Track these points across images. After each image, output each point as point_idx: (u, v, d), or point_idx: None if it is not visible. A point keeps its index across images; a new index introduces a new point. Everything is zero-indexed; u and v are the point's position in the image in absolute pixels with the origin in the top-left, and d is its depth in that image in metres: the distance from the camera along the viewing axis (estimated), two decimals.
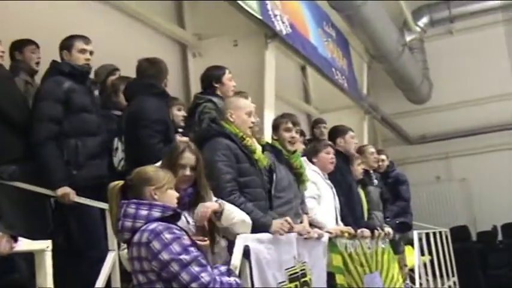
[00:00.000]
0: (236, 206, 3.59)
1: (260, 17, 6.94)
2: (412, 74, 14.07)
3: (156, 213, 2.80)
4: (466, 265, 12.37)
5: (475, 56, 15.22)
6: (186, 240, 2.71)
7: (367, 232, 5.75)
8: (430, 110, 15.77)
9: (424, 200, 15.26)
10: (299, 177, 4.87)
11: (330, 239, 4.90)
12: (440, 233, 10.46)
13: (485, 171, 14.91)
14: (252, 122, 4.30)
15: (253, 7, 6.88)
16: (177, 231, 2.71)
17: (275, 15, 7.35)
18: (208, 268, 2.67)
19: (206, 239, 3.13)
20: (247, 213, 3.65)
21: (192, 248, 2.68)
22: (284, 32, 7.58)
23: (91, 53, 4.55)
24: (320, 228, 4.96)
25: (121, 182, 2.98)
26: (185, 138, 4.35)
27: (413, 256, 8.11)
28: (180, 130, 5.20)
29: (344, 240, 5.14)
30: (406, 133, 15.61)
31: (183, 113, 5.34)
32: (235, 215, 3.41)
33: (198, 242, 2.89)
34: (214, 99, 5.19)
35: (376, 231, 6.04)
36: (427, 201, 15.39)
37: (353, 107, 12.22)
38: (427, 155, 15.65)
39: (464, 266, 11.91)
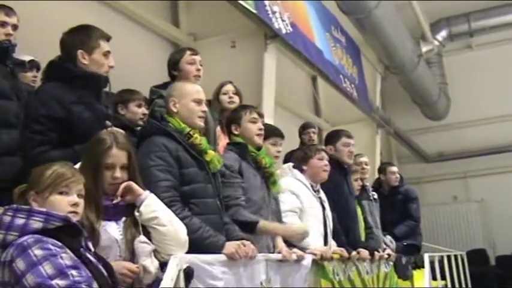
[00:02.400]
0: None
1: (255, 11, 6.31)
2: (429, 88, 13.64)
3: (36, 223, 2.11)
4: None
5: (495, 71, 14.86)
6: (66, 260, 2.02)
7: (364, 253, 4.96)
8: (448, 127, 15.43)
9: (440, 221, 15.11)
10: (269, 178, 4.11)
11: (317, 262, 4.12)
12: (456, 256, 10.05)
13: (505, 192, 14.47)
14: (203, 111, 3.51)
15: (249, 3, 6.31)
16: (52, 247, 2.03)
17: (273, 12, 6.77)
18: None
19: (137, 267, 2.46)
20: (194, 231, 2.96)
21: (72, 271, 1.99)
22: (284, 31, 6.99)
23: (15, 27, 3.76)
24: (302, 249, 4.14)
25: (24, 186, 2.35)
26: (115, 129, 3.19)
27: (423, 281, 7.40)
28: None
29: (333, 264, 4.34)
30: (423, 150, 15.24)
31: (143, 110, 4.55)
32: (157, 208, 2.70)
33: (125, 269, 2.22)
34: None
35: (376, 252, 5.26)
36: (443, 222, 15.16)
37: (365, 120, 11.82)
38: (444, 173, 15.26)
39: None
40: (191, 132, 3.35)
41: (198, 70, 4.34)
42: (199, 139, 3.37)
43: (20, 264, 1.97)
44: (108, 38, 3.59)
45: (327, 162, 4.87)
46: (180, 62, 4.38)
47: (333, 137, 5.50)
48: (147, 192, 2.70)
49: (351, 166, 5.64)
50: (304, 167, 4.80)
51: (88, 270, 2.11)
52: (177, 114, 3.41)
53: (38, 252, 1.99)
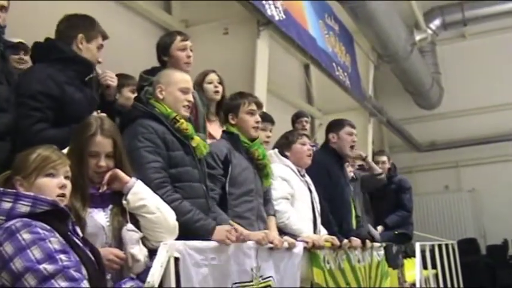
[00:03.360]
0: (168, 203, 2.82)
1: None
2: (422, 76, 13.57)
3: (24, 207, 2.07)
4: (474, 281, 12.08)
5: (489, 61, 14.83)
6: (55, 244, 1.98)
7: (356, 242, 4.90)
8: (440, 116, 15.40)
9: (432, 211, 15.14)
10: (262, 170, 4.06)
11: (309, 250, 4.07)
12: (446, 245, 10.11)
13: (496, 181, 14.49)
14: (188, 101, 3.45)
15: None
16: (41, 231, 1.99)
17: None
18: (83, 284, 1.94)
19: (123, 254, 2.42)
20: (184, 214, 2.92)
21: (61, 256, 1.96)
22: (277, 18, 6.90)
23: (4, 8, 3.57)
24: (294, 236, 4.11)
25: (8, 173, 2.30)
26: (102, 114, 3.21)
27: (414, 270, 7.39)
28: None
29: (324, 252, 4.28)
30: (415, 140, 15.21)
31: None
32: (144, 196, 2.65)
33: (112, 255, 2.18)
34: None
35: (367, 241, 5.21)
36: (435, 211, 15.17)
37: (358, 109, 11.74)
38: (435, 163, 15.25)
39: (471, 281, 11.61)
40: (177, 117, 3.30)
41: (189, 57, 4.22)
42: (185, 124, 3.33)
43: (7, 248, 1.94)
44: (105, 37, 3.69)
45: (310, 147, 4.83)
46: (170, 48, 4.25)
47: (336, 125, 5.42)
48: (134, 179, 2.66)
49: (347, 155, 5.56)
50: (287, 153, 4.73)
51: (76, 254, 2.08)
52: (163, 101, 3.36)
53: (26, 236, 1.96)
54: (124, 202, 2.58)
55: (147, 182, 2.84)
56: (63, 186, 2.27)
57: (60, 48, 3.47)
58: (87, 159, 2.58)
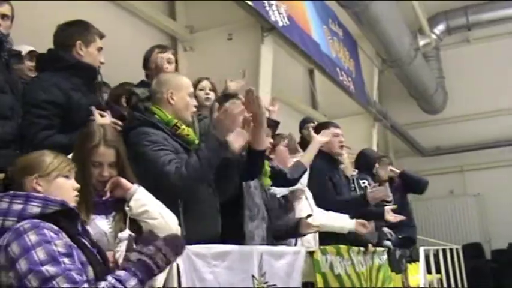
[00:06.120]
0: (193, 170, 2.95)
1: (251, 4, 6.29)
2: (426, 81, 13.61)
3: (34, 208, 2.09)
4: (479, 285, 12.04)
5: (493, 65, 14.81)
6: (59, 247, 2.00)
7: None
8: (445, 121, 15.41)
9: (437, 215, 15.09)
10: None
11: (311, 255, 4.04)
12: (451, 250, 10.12)
13: (501, 186, 14.44)
14: (195, 106, 3.50)
15: None
16: (47, 233, 2.01)
17: (270, 5, 6.73)
18: (83, 286, 1.97)
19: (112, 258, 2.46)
20: (198, 167, 3.01)
21: (65, 259, 1.98)
22: (280, 24, 6.95)
23: (6, 17, 3.68)
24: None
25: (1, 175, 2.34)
26: (104, 120, 3.29)
27: (419, 275, 7.39)
28: None
29: (330, 258, 4.28)
30: (419, 144, 15.21)
31: None
32: (146, 202, 2.65)
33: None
34: (138, 90, 4.16)
35: (370, 245, 5.24)
36: (439, 216, 15.13)
37: (362, 114, 11.76)
38: (440, 168, 15.13)
39: (476, 286, 11.61)
40: (178, 124, 3.30)
41: (165, 68, 4.29)
42: (186, 130, 3.33)
43: (14, 248, 1.97)
44: (102, 36, 3.69)
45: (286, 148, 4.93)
46: (149, 61, 4.39)
47: (321, 129, 5.42)
48: (136, 185, 2.67)
49: (341, 157, 5.65)
50: (272, 156, 4.77)
51: (84, 255, 2.11)
52: (172, 106, 3.35)
53: (32, 237, 1.98)
54: (127, 208, 2.60)
55: (164, 175, 2.95)
56: (76, 189, 2.32)
57: (62, 57, 3.53)
58: (90, 169, 2.59)
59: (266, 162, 4.13)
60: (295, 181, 4.61)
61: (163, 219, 2.64)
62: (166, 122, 3.28)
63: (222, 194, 3.48)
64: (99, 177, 2.60)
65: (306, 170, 4.76)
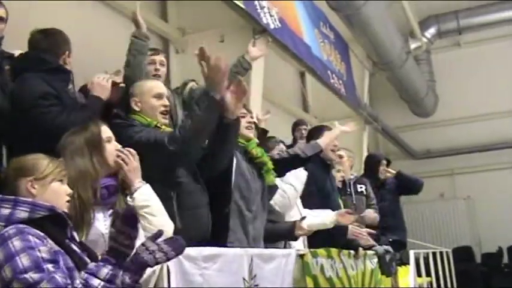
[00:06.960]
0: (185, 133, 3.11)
1: (243, 6, 6.28)
2: (417, 84, 13.64)
3: (22, 213, 2.08)
4: None
5: (483, 69, 14.86)
6: (44, 253, 1.99)
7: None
8: (435, 124, 15.43)
9: (427, 218, 15.11)
10: (261, 168, 4.08)
11: (302, 257, 4.03)
12: (441, 253, 10.09)
13: (491, 189, 14.48)
14: (164, 106, 3.53)
15: None
16: (32, 238, 2.00)
17: (262, 7, 6.71)
18: None
19: None
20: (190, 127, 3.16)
21: (48, 265, 1.96)
22: (272, 26, 6.93)
23: (1, 19, 3.65)
24: None
25: None
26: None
27: (408, 278, 7.40)
28: None
29: (321, 260, 4.26)
30: (410, 147, 15.21)
31: None
32: (150, 198, 2.70)
33: None
34: None
35: (360, 249, 5.24)
36: (430, 219, 15.15)
37: (353, 117, 11.63)
38: (431, 171, 14.99)
39: None
40: (158, 125, 3.39)
41: (157, 70, 4.35)
42: (167, 130, 3.41)
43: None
44: None
45: None
46: None
47: (315, 133, 5.44)
48: (143, 182, 2.71)
49: (333, 161, 5.64)
50: None
51: (71, 260, 2.10)
52: (141, 112, 3.45)
53: (16, 243, 1.97)
54: (129, 199, 2.62)
55: (160, 144, 3.09)
56: (69, 195, 2.32)
57: (46, 59, 3.59)
58: (104, 146, 2.67)
59: (270, 162, 4.15)
60: (307, 160, 4.67)
61: (162, 219, 2.67)
62: (147, 125, 3.37)
63: (219, 162, 3.56)
64: (115, 152, 2.71)
65: (322, 150, 4.85)
